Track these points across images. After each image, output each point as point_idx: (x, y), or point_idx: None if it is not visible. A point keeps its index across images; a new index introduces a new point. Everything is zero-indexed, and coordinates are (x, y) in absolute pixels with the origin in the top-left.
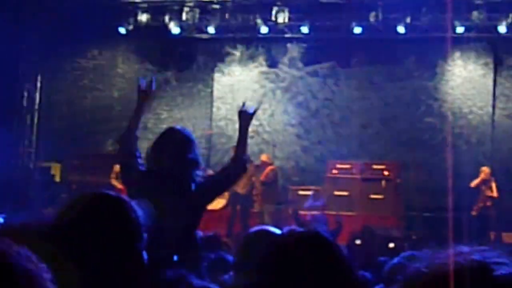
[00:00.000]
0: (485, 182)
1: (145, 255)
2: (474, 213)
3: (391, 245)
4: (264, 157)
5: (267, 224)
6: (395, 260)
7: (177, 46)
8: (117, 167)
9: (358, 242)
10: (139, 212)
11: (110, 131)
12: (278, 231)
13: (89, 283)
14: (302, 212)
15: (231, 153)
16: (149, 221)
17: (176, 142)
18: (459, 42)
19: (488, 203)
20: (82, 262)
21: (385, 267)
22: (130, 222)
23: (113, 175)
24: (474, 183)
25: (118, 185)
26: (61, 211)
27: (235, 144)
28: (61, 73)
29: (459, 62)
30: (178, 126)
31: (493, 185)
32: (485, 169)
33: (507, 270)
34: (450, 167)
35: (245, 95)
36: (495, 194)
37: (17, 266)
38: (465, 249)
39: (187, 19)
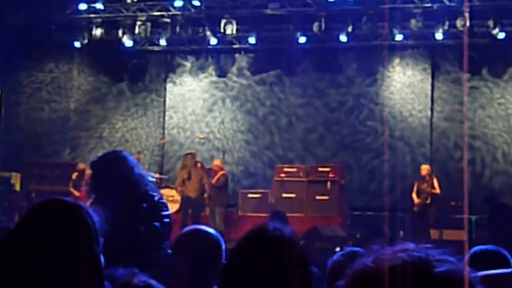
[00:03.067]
0: (424, 179)
1: (102, 258)
2: (415, 209)
3: (337, 249)
4: (216, 162)
5: (219, 227)
6: (336, 257)
7: (130, 58)
8: (75, 175)
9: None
10: (95, 218)
11: (67, 140)
12: (210, 230)
13: (47, 285)
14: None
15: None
16: (105, 226)
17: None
18: (398, 49)
19: (428, 200)
20: (41, 266)
21: (327, 264)
22: (87, 227)
23: (71, 183)
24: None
25: (76, 192)
26: (20, 218)
27: (187, 151)
28: (20, 87)
29: (398, 68)
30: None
31: (435, 182)
32: (424, 167)
33: (447, 267)
34: (386, 167)
35: (196, 104)
36: (437, 190)
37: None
38: (411, 246)
39: (139, 32)
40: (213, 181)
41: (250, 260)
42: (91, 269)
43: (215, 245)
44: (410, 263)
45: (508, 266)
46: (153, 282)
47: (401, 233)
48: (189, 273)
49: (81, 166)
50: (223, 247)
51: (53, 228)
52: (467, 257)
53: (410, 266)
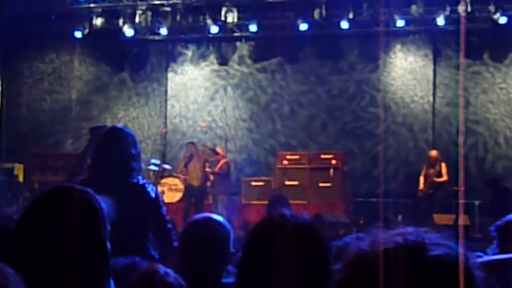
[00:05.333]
0: (432, 164)
1: (108, 245)
2: (420, 194)
3: (341, 232)
4: (218, 151)
5: (221, 215)
6: (341, 242)
7: (131, 47)
8: None
9: None
10: (103, 205)
11: (70, 131)
12: (219, 218)
13: (56, 270)
14: None
15: (185, 149)
16: (112, 214)
17: (117, 145)
18: (399, 35)
19: (431, 190)
20: (50, 250)
21: (332, 249)
22: (96, 213)
23: None
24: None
25: None
26: (29, 204)
27: (189, 140)
28: (21, 77)
29: (400, 54)
30: (118, 126)
31: (443, 168)
32: (433, 152)
33: (442, 250)
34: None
35: (197, 92)
36: (444, 178)
37: None
38: (409, 230)
39: (140, 21)
40: (216, 169)
41: (270, 247)
42: (99, 254)
43: (224, 233)
44: (404, 246)
45: None
46: (172, 278)
47: (400, 217)
48: (197, 260)
49: None
50: (231, 235)
51: (62, 212)
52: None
53: (405, 249)
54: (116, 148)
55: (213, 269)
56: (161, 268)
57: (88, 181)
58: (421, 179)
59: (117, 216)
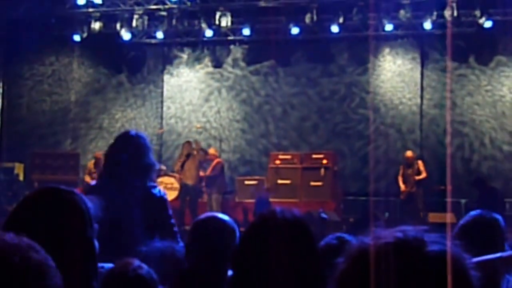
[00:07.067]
0: (410, 164)
1: (96, 244)
2: (402, 196)
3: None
4: (211, 151)
5: (215, 213)
6: (323, 242)
7: (128, 51)
8: (91, 163)
9: None
10: (90, 205)
11: (68, 131)
12: (226, 217)
13: None
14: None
15: (181, 148)
16: (100, 213)
17: (131, 148)
18: (388, 39)
19: (414, 189)
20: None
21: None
22: (80, 211)
23: (86, 171)
24: (400, 181)
25: (90, 180)
26: (16, 204)
27: (184, 140)
28: (22, 79)
29: (388, 57)
30: (133, 131)
31: (421, 166)
32: (409, 152)
33: (440, 247)
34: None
35: (193, 94)
36: (423, 174)
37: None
38: (408, 227)
39: (137, 25)
40: (209, 169)
41: (262, 243)
42: (85, 251)
43: (231, 232)
44: (404, 241)
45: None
46: (145, 271)
47: (387, 214)
48: (204, 259)
49: (98, 155)
50: (238, 234)
51: (49, 212)
52: (461, 222)
53: (404, 244)
54: (126, 156)
55: (219, 267)
56: (135, 262)
57: (98, 185)
58: (400, 179)
59: (124, 217)
